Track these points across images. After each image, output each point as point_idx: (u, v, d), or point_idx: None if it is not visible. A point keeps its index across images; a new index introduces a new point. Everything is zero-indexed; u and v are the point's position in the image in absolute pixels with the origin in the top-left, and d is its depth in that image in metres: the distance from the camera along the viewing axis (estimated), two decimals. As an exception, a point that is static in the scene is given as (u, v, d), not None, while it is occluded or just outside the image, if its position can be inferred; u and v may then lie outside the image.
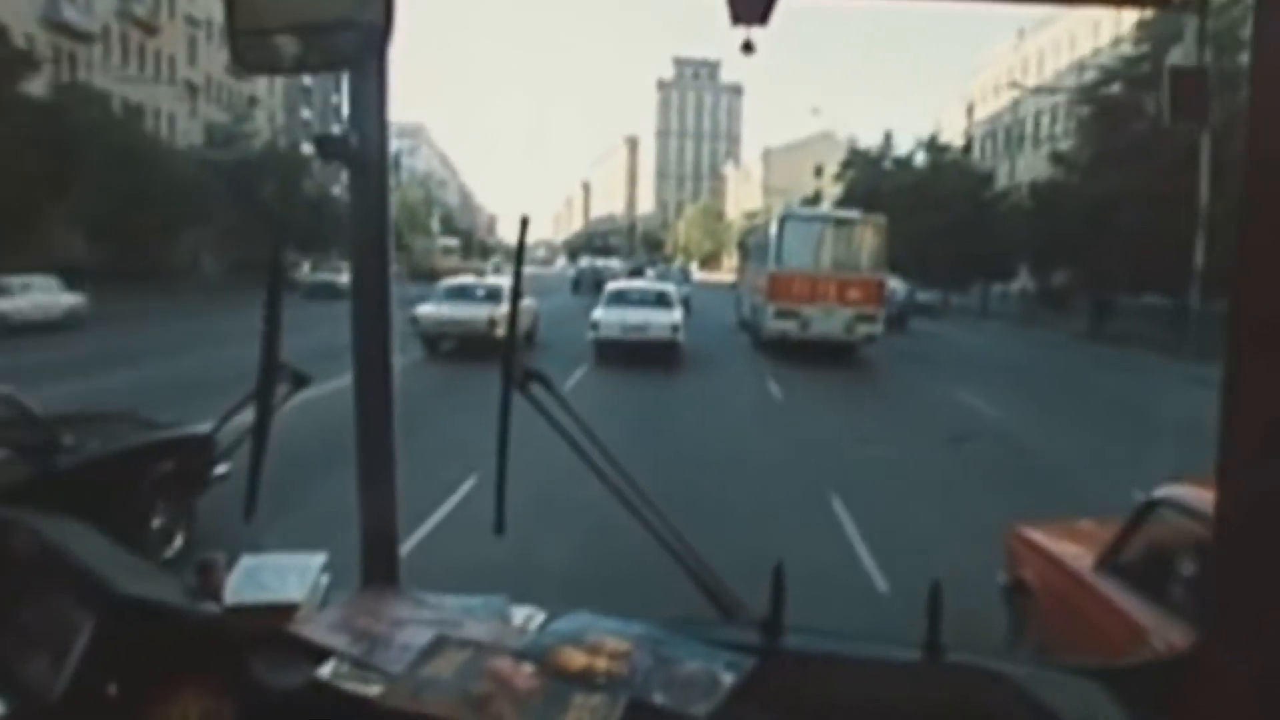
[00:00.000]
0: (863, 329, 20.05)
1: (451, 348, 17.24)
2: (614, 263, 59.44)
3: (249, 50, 1.41)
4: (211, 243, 42.50)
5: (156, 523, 6.18)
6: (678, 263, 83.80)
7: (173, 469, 6.19)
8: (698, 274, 72.96)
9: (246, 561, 1.48)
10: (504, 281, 20.52)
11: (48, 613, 1.36)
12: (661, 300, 19.63)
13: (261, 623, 1.38)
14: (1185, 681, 1.20)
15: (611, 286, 21.61)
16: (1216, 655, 1.14)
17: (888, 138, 53.30)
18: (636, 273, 49.22)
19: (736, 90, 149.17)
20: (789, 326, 19.99)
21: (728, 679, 1.30)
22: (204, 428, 5.53)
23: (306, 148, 47.76)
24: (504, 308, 16.27)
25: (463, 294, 18.60)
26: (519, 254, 1.66)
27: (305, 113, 70.50)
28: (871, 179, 48.39)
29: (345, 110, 1.55)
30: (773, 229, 21.22)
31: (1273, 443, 1.09)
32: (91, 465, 5.83)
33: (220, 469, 5.69)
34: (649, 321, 18.14)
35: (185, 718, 1.29)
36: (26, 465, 5.44)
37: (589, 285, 37.08)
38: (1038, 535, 5.02)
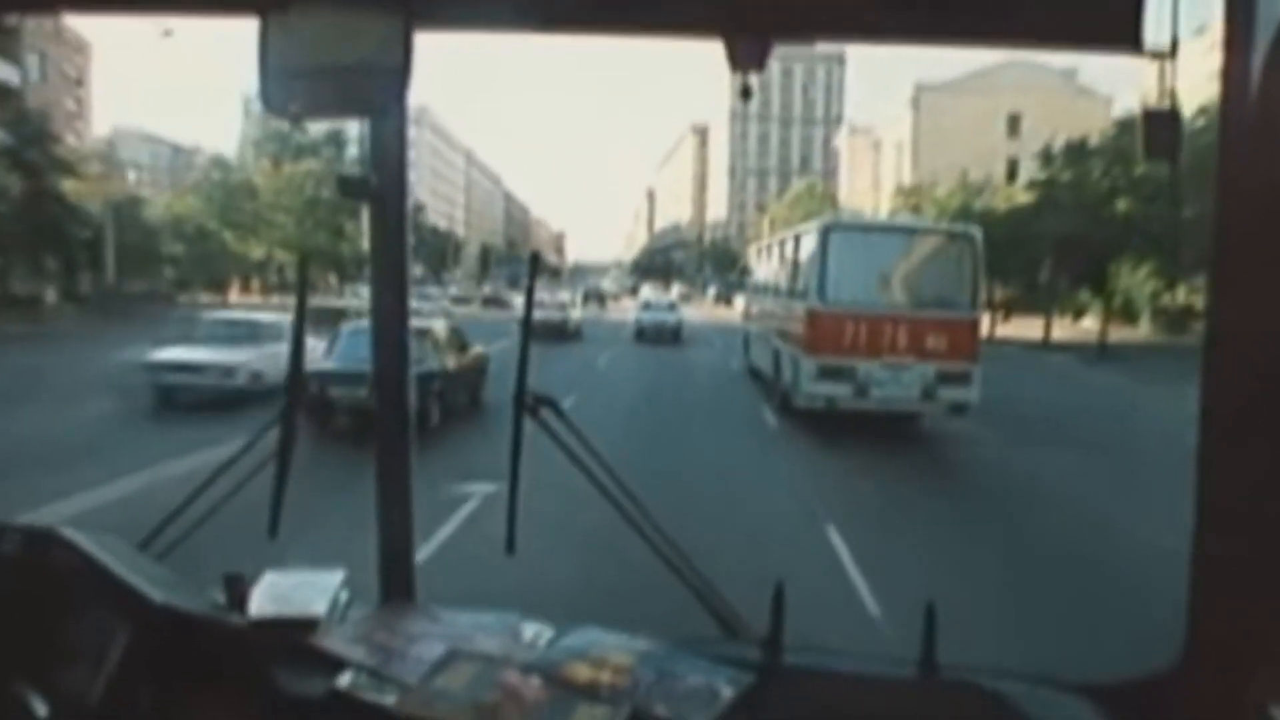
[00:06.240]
0: (947, 394, 13.31)
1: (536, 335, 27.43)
2: (606, 283, 79.27)
3: (277, 92, 1.49)
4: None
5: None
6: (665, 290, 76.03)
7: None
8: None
9: (270, 576, 1.57)
10: (565, 295, 35.92)
11: (86, 622, 1.45)
12: (671, 308, 34.27)
13: (285, 635, 1.45)
14: (1172, 697, 1.23)
15: (642, 298, 39.89)
16: (1199, 672, 1.18)
17: None
18: (634, 290, 67.79)
19: (838, 59, 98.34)
20: (839, 391, 13.43)
21: (727, 693, 1.35)
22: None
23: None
24: (573, 313, 30.99)
25: (542, 305, 28.70)
26: (529, 290, 1.85)
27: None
28: None
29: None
30: (811, 245, 14.35)
31: (1250, 470, 1.13)
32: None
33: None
34: (665, 319, 31.76)
35: None
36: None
37: (594, 300, 52.05)
38: None
